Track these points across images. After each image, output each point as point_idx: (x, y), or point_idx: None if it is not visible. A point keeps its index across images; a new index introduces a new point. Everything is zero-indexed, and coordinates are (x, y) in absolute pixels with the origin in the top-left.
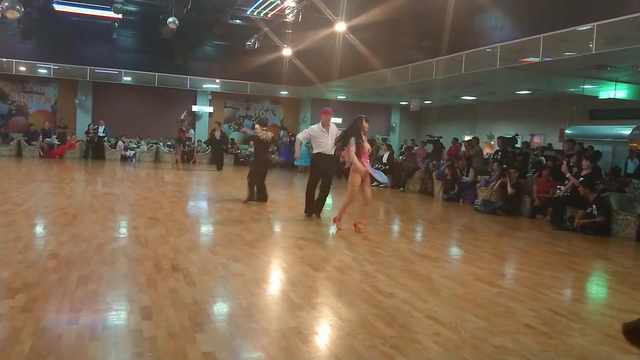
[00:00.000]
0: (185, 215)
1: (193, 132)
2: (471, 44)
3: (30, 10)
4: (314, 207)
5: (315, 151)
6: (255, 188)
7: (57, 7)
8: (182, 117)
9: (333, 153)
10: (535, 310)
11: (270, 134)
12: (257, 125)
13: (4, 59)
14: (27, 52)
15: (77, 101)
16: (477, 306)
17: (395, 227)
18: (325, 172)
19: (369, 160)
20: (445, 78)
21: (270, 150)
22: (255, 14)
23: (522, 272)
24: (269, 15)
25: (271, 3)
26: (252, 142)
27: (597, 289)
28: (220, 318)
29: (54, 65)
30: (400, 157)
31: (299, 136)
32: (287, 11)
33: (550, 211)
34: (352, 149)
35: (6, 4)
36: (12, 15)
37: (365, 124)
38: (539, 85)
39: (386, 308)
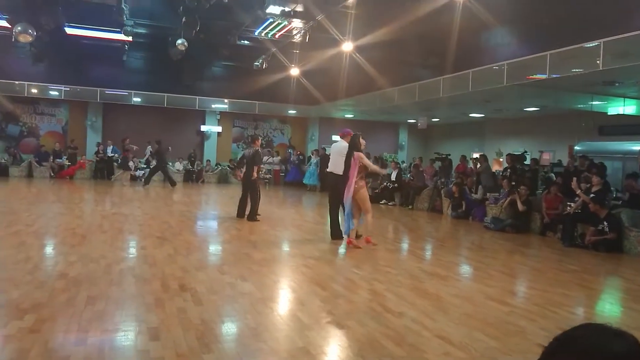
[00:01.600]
0: (194, 234)
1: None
2: (477, 61)
3: (42, 34)
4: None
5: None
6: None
7: (69, 31)
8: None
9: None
10: (547, 330)
11: (253, 150)
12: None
13: (16, 82)
14: (39, 75)
15: (88, 122)
16: (487, 325)
17: (404, 245)
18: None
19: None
20: (453, 96)
21: (252, 167)
22: (263, 34)
23: (532, 290)
24: (276, 36)
25: (279, 24)
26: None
27: (609, 307)
28: (228, 338)
29: (65, 87)
30: (408, 176)
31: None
32: (294, 32)
33: (561, 228)
34: (365, 161)
35: (19, 28)
36: (25, 39)
37: (362, 141)
38: (547, 102)
39: (395, 327)
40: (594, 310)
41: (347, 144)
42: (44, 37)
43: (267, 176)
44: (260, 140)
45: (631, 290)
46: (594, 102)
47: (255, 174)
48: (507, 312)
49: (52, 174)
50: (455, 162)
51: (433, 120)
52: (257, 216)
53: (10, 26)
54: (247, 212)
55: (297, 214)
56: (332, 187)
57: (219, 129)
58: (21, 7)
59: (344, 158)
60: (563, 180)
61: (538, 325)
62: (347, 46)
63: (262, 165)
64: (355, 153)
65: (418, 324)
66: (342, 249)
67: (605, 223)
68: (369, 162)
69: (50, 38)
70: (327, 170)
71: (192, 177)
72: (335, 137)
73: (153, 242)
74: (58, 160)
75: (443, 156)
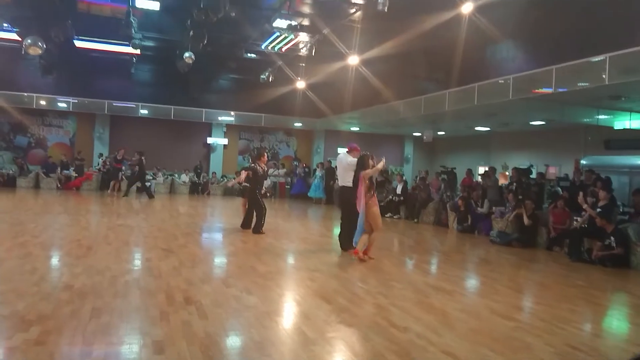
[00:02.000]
0: (199, 246)
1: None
2: (483, 75)
3: (51, 46)
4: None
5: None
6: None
7: (78, 44)
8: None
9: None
10: (553, 346)
11: (253, 166)
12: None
13: (25, 94)
14: (47, 87)
15: (95, 134)
16: (493, 340)
17: (409, 259)
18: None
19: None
20: (458, 109)
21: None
22: (269, 48)
23: (539, 306)
24: (283, 50)
25: (285, 38)
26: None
27: (617, 323)
28: (233, 352)
29: (73, 99)
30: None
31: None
32: (300, 45)
33: (568, 243)
34: (367, 175)
35: (29, 40)
36: (35, 51)
37: (371, 162)
38: (553, 116)
39: (400, 342)
40: (601, 327)
41: (353, 159)
42: (53, 50)
43: (267, 194)
44: (266, 157)
45: (638, 306)
46: (600, 116)
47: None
48: (513, 327)
49: (59, 185)
50: (461, 176)
51: (439, 133)
52: (261, 229)
53: (20, 39)
54: (253, 224)
55: (302, 227)
56: (343, 200)
57: (225, 141)
58: (31, 20)
59: (352, 171)
60: (569, 194)
61: (545, 341)
62: (353, 59)
63: (264, 185)
64: (362, 172)
65: (423, 339)
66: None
67: (612, 238)
68: (368, 172)
69: (60, 51)
70: (339, 184)
71: (198, 189)
72: (341, 150)
73: (158, 254)
74: (65, 171)
75: (449, 169)
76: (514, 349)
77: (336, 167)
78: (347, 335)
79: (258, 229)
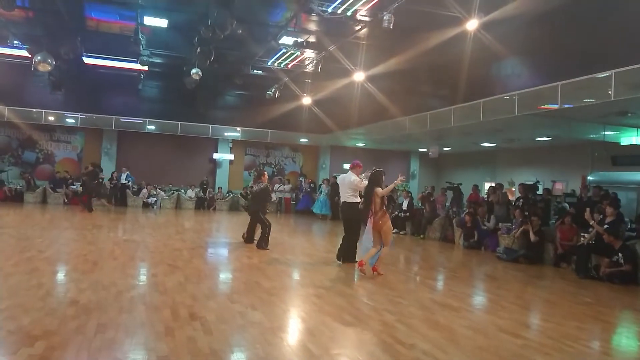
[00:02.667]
0: (204, 262)
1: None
2: (488, 91)
3: (60, 63)
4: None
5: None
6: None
7: (87, 60)
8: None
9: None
10: None
11: (262, 186)
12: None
13: (34, 109)
14: (56, 103)
15: (103, 149)
16: (500, 359)
17: (416, 276)
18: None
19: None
20: (464, 125)
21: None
22: (275, 64)
23: (547, 323)
24: (289, 66)
25: (291, 54)
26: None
27: (626, 341)
28: None
29: (81, 115)
30: (420, 205)
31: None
32: (306, 62)
33: (575, 259)
34: (379, 194)
35: (39, 57)
36: (44, 68)
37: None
38: (559, 132)
39: None
40: (610, 345)
41: (356, 177)
42: (62, 67)
43: (268, 210)
44: (267, 176)
45: None
46: (606, 132)
47: (264, 210)
48: (521, 345)
49: (66, 201)
50: (467, 192)
51: (444, 149)
52: (265, 247)
53: (30, 55)
54: (256, 238)
55: (307, 243)
56: (346, 216)
57: (231, 156)
58: (42, 37)
59: (353, 189)
60: (576, 210)
61: None
62: (359, 76)
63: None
64: (376, 189)
65: (430, 356)
66: (355, 276)
67: (620, 254)
68: (382, 192)
69: (69, 67)
70: (342, 200)
71: (204, 204)
72: (347, 166)
73: (164, 270)
74: (72, 187)
75: (455, 185)
76: None
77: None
78: (352, 352)
79: (262, 245)
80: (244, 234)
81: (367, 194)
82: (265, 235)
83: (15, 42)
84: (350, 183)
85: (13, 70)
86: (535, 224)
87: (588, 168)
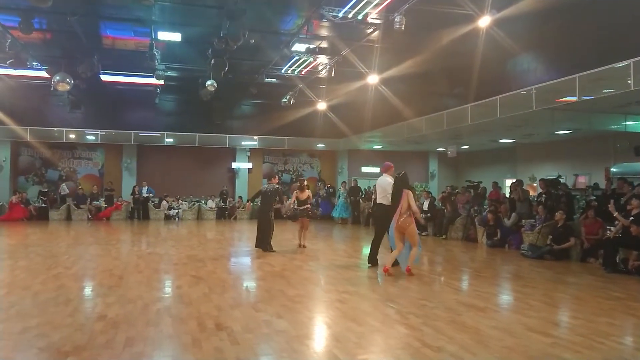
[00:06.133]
0: (227, 272)
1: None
2: (505, 88)
3: (79, 82)
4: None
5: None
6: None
7: (104, 78)
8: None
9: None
10: None
11: (272, 187)
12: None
13: (55, 128)
14: (76, 121)
15: (123, 164)
16: (530, 358)
17: (440, 277)
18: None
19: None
20: (481, 122)
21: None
22: (289, 72)
23: (576, 320)
24: (302, 72)
25: (305, 61)
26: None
27: None
28: None
29: (101, 132)
30: (439, 204)
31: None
32: (320, 67)
33: (602, 254)
34: (412, 202)
35: (58, 77)
36: (63, 87)
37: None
38: (579, 124)
39: None
40: None
41: (392, 179)
42: (80, 85)
43: (298, 207)
44: (277, 178)
45: None
46: (627, 123)
47: (285, 204)
48: (550, 344)
49: (90, 216)
50: (487, 190)
51: (463, 147)
52: (270, 247)
53: (49, 76)
54: (303, 243)
55: (329, 248)
56: (379, 217)
57: (250, 165)
58: (60, 58)
59: (390, 192)
60: (599, 203)
61: (584, 357)
62: (373, 78)
63: (291, 201)
64: (406, 190)
65: (458, 358)
66: (378, 280)
67: None
68: (414, 204)
69: (87, 85)
70: (377, 201)
71: (225, 214)
72: (365, 169)
73: (188, 281)
74: (95, 202)
75: (475, 184)
76: None
77: (374, 187)
78: (379, 357)
79: (265, 245)
80: (301, 244)
81: (396, 194)
82: (267, 238)
83: (34, 63)
84: (389, 185)
85: (33, 92)
86: (559, 218)
87: (611, 160)
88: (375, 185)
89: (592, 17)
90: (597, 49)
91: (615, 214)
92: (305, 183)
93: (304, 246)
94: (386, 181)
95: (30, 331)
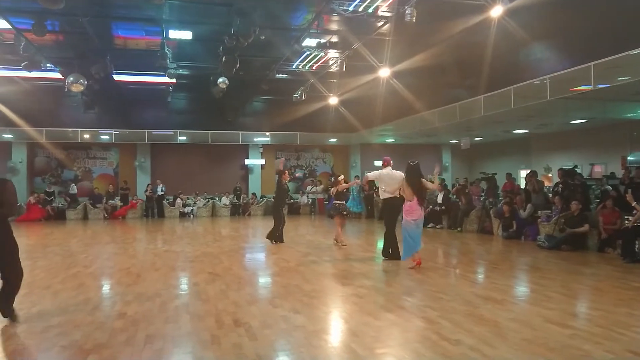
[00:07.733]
0: (244, 268)
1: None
2: (518, 78)
3: (92, 82)
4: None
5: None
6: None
7: (117, 77)
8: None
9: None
10: (614, 352)
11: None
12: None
13: (70, 129)
14: (90, 121)
15: (137, 163)
16: (549, 350)
17: (456, 270)
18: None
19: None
20: (495, 114)
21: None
22: (300, 67)
23: (595, 311)
24: (314, 68)
25: (315, 56)
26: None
27: None
28: None
29: (114, 131)
30: (454, 197)
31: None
32: (331, 62)
33: (620, 243)
34: (428, 185)
35: (71, 78)
36: (77, 88)
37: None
38: (594, 113)
39: (453, 356)
40: None
41: (400, 172)
42: (94, 86)
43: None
44: (287, 174)
45: None
46: None
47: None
48: (570, 335)
49: (106, 215)
50: (501, 181)
51: (476, 139)
52: (273, 242)
53: (62, 77)
54: (336, 241)
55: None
56: (390, 210)
57: (262, 161)
58: (73, 59)
59: (399, 185)
60: (618, 193)
61: (604, 348)
62: (384, 72)
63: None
64: (422, 180)
65: (476, 351)
66: (391, 275)
67: None
68: (432, 185)
69: (100, 86)
70: (392, 195)
71: (239, 210)
72: (378, 163)
73: (205, 278)
74: (111, 201)
75: (489, 175)
76: (572, 357)
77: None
78: (397, 351)
79: (272, 236)
80: (339, 242)
81: (414, 184)
82: (275, 231)
83: (48, 65)
84: (401, 176)
85: (47, 93)
86: (575, 208)
87: (627, 148)
88: (378, 179)
89: (606, 4)
90: (612, 36)
91: (634, 203)
92: (341, 177)
93: (345, 244)
94: (400, 175)
95: (52, 330)
